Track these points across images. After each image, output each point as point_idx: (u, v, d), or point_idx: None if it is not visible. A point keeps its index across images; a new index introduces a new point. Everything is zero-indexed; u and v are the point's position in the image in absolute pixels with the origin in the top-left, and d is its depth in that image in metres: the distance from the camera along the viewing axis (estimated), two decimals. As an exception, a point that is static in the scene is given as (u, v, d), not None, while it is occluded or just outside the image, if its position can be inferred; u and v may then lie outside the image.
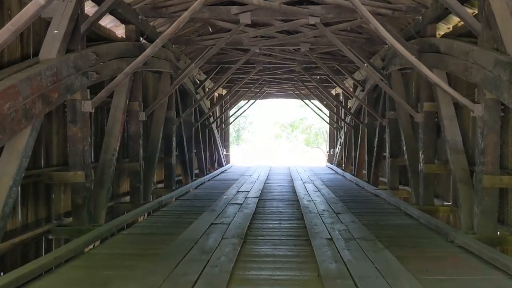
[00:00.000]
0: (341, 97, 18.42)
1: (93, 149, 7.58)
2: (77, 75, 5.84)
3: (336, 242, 5.63)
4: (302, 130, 47.19)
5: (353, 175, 14.99)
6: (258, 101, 43.54)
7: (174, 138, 10.98)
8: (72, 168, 6.22)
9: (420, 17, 8.09)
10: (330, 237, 5.94)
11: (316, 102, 20.99)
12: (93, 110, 6.43)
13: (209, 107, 16.03)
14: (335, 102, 20.07)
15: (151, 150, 9.64)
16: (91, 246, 5.71)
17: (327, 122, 22.14)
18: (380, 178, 12.72)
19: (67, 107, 6.16)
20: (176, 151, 12.72)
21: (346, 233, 6.19)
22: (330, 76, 15.93)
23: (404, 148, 9.43)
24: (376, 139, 11.98)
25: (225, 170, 18.29)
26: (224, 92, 19.23)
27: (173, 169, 10.88)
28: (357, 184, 12.75)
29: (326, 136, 45.44)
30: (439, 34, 8.27)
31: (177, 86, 9.31)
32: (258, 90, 19.82)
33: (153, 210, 8.47)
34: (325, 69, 11.49)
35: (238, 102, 22.22)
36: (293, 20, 8.74)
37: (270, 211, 8.42)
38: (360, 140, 14.42)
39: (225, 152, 22.14)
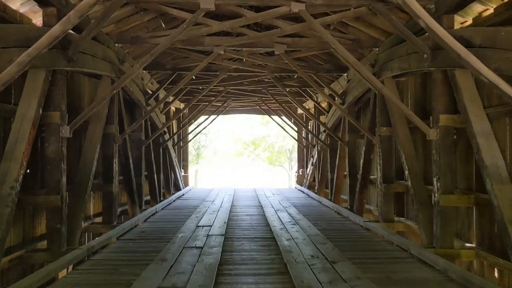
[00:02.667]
0: (313, 112, 16.61)
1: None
2: None
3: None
4: (264, 148, 45.52)
5: (330, 200, 13.07)
6: (220, 117, 41.42)
7: (116, 160, 8.67)
8: None
9: (433, 6, 6.31)
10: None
11: (284, 118, 19.14)
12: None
13: (164, 122, 13.77)
14: (304, 119, 18.29)
15: (82, 176, 7.32)
16: None
17: (296, 140, 20.28)
18: (365, 205, 10.86)
19: None
20: (120, 176, 10.41)
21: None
22: (303, 88, 14.16)
23: (406, 172, 7.56)
24: (362, 160, 10.10)
25: (183, 194, 15.96)
26: (182, 105, 17.00)
27: (114, 199, 8.56)
28: (338, 213, 10.80)
29: (290, 155, 44.26)
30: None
31: (114, 91, 7.08)
32: (220, 104, 17.73)
33: (80, 261, 6.12)
34: (303, 77, 9.54)
35: (198, 118, 20.02)
36: (269, 7, 6.75)
37: (241, 259, 6.28)
38: (339, 160, 12.55)
39: (183, 173, 19.80)
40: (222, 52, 8.72)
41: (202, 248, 6.80)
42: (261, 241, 7.52)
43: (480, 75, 4.04)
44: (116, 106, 8.76)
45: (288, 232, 8.08)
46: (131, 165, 9.99)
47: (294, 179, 40.65)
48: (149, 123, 12.01)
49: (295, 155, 43.46)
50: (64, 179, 6.26)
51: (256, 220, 9.89)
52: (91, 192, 9.01)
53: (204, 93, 12.36)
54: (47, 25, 6.10)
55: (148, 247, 7.14)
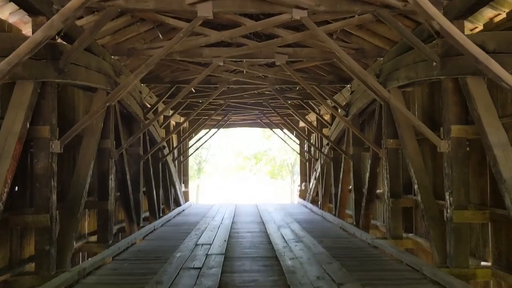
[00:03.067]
0: (315, 124, 16.29)
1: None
2: None
3: None
4: (266, 162, 45.17)
5: (334, 215, 12.66)
6: (222, 131, 41.09)
7: (112, 176, 8.32)
8: None
9: (442, 10, 6.00)
10: None
11: (285, 131, 18.82)
12: None
13: (164, 136, 13.45)
14: (306, 132, 17.96)
15: (75, 193, 6.96)
16: None
17: (298, 153, 19.93)
18: (372, 221, 10.46)
19: None
20: (117, 192, 10.05)
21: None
22: (305, 100, 13.86)
23: (416, 186, 7.18)
24: (368, 174, 9.73)
25: (183, 210, 15.56)
26: (182, 119, 16.70)
27: (109, 216, 8.19)
28: (343, 229, 10.39)
29: (291, 169, 43.82)
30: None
31: (108, 104, 6.75)
32: (221, 118, 17.43)
33: (70, 285, 5.73)
34: (306, 88, 9.21)
35: (199, 132, 19.72)
36: (270, 15, 6.46)
37: (241, 281, 5.89)
38: (343, 174, 12.17)
39: (183, 188, 19.42)
40: (221, 64, 8.43)
41: (200, 269, 6.41)
42: (263, 261, 7.13)
43: (501, 81, 3.72)
44: (112, 120, 8.44)
45: (292, 251, 7.68)
46: (128, 181, 9.63)
47: (296, 193, 40.23)
48: (147, 137, 11.68)
49: (297, 169, 43.09)
50: (54, 197, 5.91)
51: (257, 238, 9.49)
52: (86, 209, 8.68)
53: (203, 106, 12.05)
54: (37, 35, 5.81)
55: (144, 268, 6.75)
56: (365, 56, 8.66)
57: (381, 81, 8.53)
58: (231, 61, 8.92)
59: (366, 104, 9.87)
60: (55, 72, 5.82)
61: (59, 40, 6.15)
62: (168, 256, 7.37)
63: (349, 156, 11.16)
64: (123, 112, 10.09)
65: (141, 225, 10.77)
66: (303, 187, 19.72)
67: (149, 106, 11.25)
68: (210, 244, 8.39)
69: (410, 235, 8.57)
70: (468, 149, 6.00)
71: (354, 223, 10.89)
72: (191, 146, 19.41)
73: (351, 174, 11.14)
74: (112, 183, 8.37)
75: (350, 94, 11.04)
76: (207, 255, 7.42)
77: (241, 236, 9.68)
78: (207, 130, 18.75)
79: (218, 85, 11.10)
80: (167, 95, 11.46)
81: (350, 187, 12.22)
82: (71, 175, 7.45)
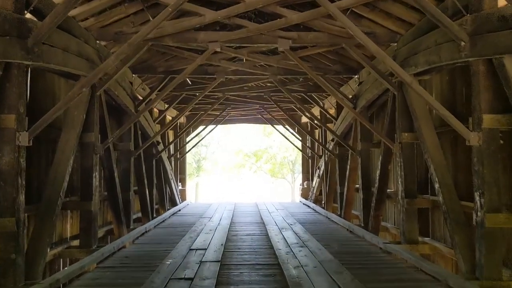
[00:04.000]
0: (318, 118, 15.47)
1: None
2: None
3: None
4: (266, 160, 44.41)
5: (340, 215, 11.84)
6: (221, 128, 40.31)
7: (96, 174, 7.50)
8: None
9: (471, -17, 5.17)
10: None
11: (287, 128, 17.99)
12: None
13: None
14: (309, 127, 17.12)
15: (51, 193, 6.15)
16: None
17: (300, 150, 19.11)
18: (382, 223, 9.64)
19: None
20: (105, 191, 9.25)
21: None
22: (308, 93, 13.03)
23: (437, 185, 6.35)
24: (379, 171, 8.90)
25: (179, 210, 14.74)
26: (177, 114, 15.86)
27: (93, 218, 7.37)
28: (351, 231, 9.57)
29: (292, 167, 42.96)
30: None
31: (84, 89, 5.90)
32: (219, 112, 16.59)
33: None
34: (313, 76, 8.32)
35: (197, 128, 18.89)
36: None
37: (239, 296, 5.08)
38: (350, 171, 11.35)
39: (180, 187, 18.60)
40: (218, 49, 7.59)
41: (192, 280, 5.60)
42: (263, 269, 6.31)
43: None
44: (97, 111, 7.61)
45: (296, 257, 6.86)
46: (116, 179, 8.81)
47: (297, 192, 39.40)
48: (139, 132, 10.85)
49: (298, 167, 42.35)
50: (21, 197, 5.09)
51: (258, 241, 8.68)
52: (69, 211, 7.87)
53: (200, 98, 11.19)
54: (3, 8, 4.99)
55: (129, 277, 5.96)
56: (377, 42, 7.76)
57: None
58: (229, 46, 8.09)
59: (377, 95, 9.04)
60: (22, 51, 5.00)
61: (28, 16, 5.32)
62: (157, 263, 6.58)
63: (357, 152, 10.33)
64: (111, 104, 9.27)
65: (132, 227, 9.96)
66: (305, 186, 18.89)
67: (141, 98, 10.42)
68: (205, 249, 7.58)
69: (426, 239, 7.76)
70: (501, 142, 5.18)
71: (362, 224, 10.08)
72: (188, 142, 18.55)
73: (359, 172, 10.32)
74: (96, 181, 7.54)
75: (358, 85, 10.21)
76: (201, 262, 6.61)
77: (240, 240, 8.87)
78: (205, 126, 17.93)
79: (215, 76, 10.26)
80: (160, 87, 10.63)
81: (358, 185, 11.40)
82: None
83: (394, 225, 9.81)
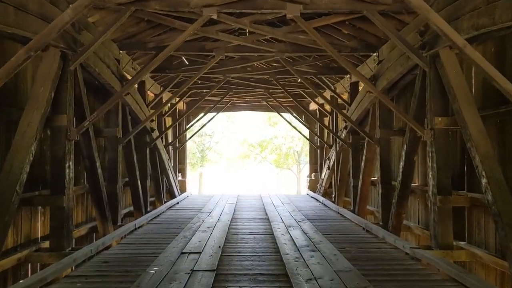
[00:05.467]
0: (329, 105, 14.19)
1: None
2: None
3: None
4: (271, 150, 43.34)
5: (353, 211, 10.64)
6: (225, 118, 38.71)
7: (69, 163, 6.31)
8: None
9: None
10: None
11: (294, 115, 16.71)
12: None
13: (153, 119, 11.41)
14: (318, 115, 15.83)
15: (5, 186, 4.95)
16: None
17: (308, 139, 17.87)
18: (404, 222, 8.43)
19: None
20: (85, 182, 8.09)
21: None
22: (319, 75, 11.75)
23: (484, 180, 5.10)
24: (402, 163, 7.65)
25: (177, 203, 13.59)
26: (176, 99, 14.64)
27: (66, 216, 6.20)
28: (368, 231, 8.35)
29: (298, 157, 41.75)
30: None
31: (31, 53, 4.67)
32: (220, 98, 15.31)
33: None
34: (328, 50, 6.93)
35: (198, 115, 17.66)
36: None
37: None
38: (365, 162, 10.10)
39: (180, 178, 17.46)
40: (214, 16, 6.34)
41: (178, 298, 4.42)
42: (268, 282, 5.13)
43: None
44: (71, 89, 6.40)
45: (307, 266, 5.68)
46: (98, 170, 7.62)
47: (303, 183, 38.30)
48: (129, 117, 9.65)
49: (304, 157, 41.18)
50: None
51: (261, 242, 7.49)
52: (40, 207, 6.72)
53: (199, 79, 9.95)
54: None
55: (102, 291, 4.80)
56: (404, 8, 6.53)
57: (426, 40, 6.45)
58: (228, 14, 6.81)
59: (401, 75, 7.77)
60: None
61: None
62: (140, 272, 5.42)
63: (375, 141, 9.07)
64: (93, 83, 8.07)
65: (120, 223, 8.81)
66: (313, 178, 17.68)
67: (129, 78, 9.19)
68: (200, 253, 6.40)
69: (462, 243, 6.53)
70: None
71: (381, 223, 8.87)
72: (187, 129, 17.32)
73: (378, 163, 9.07)
74: (70, 172, 6.36)
75: (378, 64, 8.93)
76: (192, 271, 5.43)
77: (241, 240, 7.69)
78: (205, 113, 16.68)
79: (214, 54, 9.00)
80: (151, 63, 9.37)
81: (374, 178, 10.20)
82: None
83: (418, 224, 8.60)
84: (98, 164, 7.60)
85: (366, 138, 9.78)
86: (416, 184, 8.41)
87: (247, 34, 8.40)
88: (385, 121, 9.00)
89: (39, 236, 6.68)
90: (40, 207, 6.65)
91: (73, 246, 6.50)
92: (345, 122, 11.36)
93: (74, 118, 6.54)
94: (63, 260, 5.47)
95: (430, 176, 6.51)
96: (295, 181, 41.22)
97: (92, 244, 6.61)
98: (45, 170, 6.71)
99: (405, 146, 7.59)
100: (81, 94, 6.87)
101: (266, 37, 8.64)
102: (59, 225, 6.16)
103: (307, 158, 40.04)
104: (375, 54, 9.06)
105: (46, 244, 6.55)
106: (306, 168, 40.38)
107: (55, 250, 6.14)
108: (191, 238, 7.56)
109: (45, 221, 6.83)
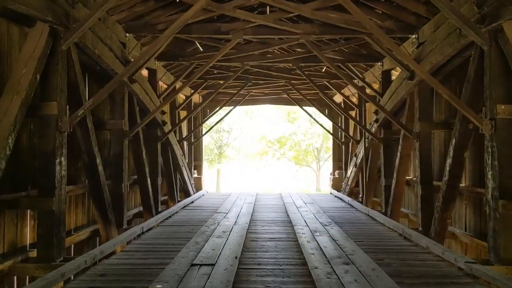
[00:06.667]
0: (356, 97, 13.08)
1: None
2: None
3: None
4: (290, 146, 42.42)
5: (385, 214, 9.54)
6: (243, 113, 37.83)
7: (62, 159, 5.39)
8: None
9: None
10: None
11: (319, 109, 15.61)
12: None
13: (163, 109, 10.48)
14: (343, 106, 14.70)
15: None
16: None
17: (332, 134, 16.75)
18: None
19: None
20: (85, 181, 7.20)
21: None
22: (346, 63, 10.64)
23: None
24: (450, 160, 6.53)
25: (192, 202, 12.67)
26: (191, 91, 13.70)
27: (57, 221, 5.29)
28: (406, 238, 7.26)
29: (318, 154, 40.56)
30: None
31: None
32: (237, 91, 14.29)
33: None
34: (368, 26, 5.79)
35: (214, 109, 16.69)
36: None
37: None
38: (400, 159, 8.99)
39: (196, 175, 16.56)
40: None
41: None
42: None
43: None
44: (63, 72, 5.47)
45: (342, 285, 4.65)
46: (99, 167, 6.69)
47: (323, 181, 37.13)
48: (136, 108, 8.72)
49: (323, 154, 40.00)
50: None
51: (284, 251, 6.48)
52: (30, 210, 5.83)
53: (214, 62, 8.88)
54: None
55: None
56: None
57: (486, 12, 5.32)
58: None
59: (449, 57, 6.63)
60: None
61: None
62: (139, 289, 4.48)
63: (414, 135, 7.95)
64: (94, 68, 7.15)
65: (126, 227, 7.91)
66: (336, 175, 16.56)
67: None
68: (213, 265, 5.44)
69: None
70: None
71: (421, 228, 7.76)
72: (203, 123, 16.35)
73: (417, 160, 7.94)
74: (62, 170, 5.44)
75: (417, 47, 7.80)
76: (200, 292, 4.46)
77: (261, 248, 6.69)
78: (222, 105, 15.71)
79: (231, 36, 7.99)
80: (160, 49, 8.44)
81: (410, 177, 9.09)
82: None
83: (465, 230, 7.47)
84: (98, 160, 6.68)
85: (402, 133, 8.68)
86: (464, 185, 7.28)
87: (268, 12, 7.37)
88: (425, 112, 7.88)
89: (28, 243, 5.79)
90: (29, 210, 5.76)
91: (65, 255, 5.59)
92: (376, 114, 10.25)
93: (68, 107, 5.62)
94: (49, 275, 4.55)
95: (490, 176, 5.40)
96: (314, 178, 40.18)
97: (88, 253, 5.66)
98: (35, 167, 5.82)
99: (453, 141, 6.46)
100: (76, 79, 5.94)
101: (290, 15, 7.57)
102: (47, 231, 5.26)
103: (327, 155, 39.04)
104: (413, 36, 7.94)
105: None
106: (326, 165, 39.30)
107: (43, 261, 5.24)
108: (204, 245, 6.60)
109: (35, 225, 5.93)
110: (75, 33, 5.43)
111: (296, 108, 18.30)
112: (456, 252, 7.03)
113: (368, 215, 9.96)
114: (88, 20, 5.38)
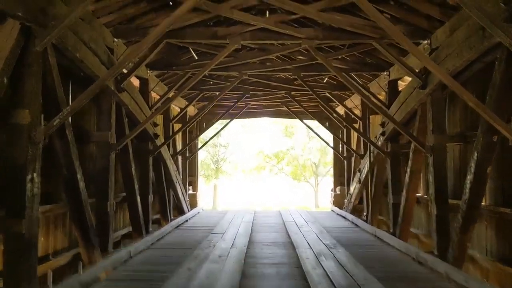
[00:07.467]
0: (360, 108, 12.47)
1: None
2: None
3: None
4: (288, 161, 41.84)
5: (393, 234, 8.84)
6: (241, 128, 37.28)
7: (34, 175, 4.69)
8: None
9: None
10: None
11: (312, 123, 15.01)
12: None
13: (155, 121, 9.81)
14: (345, 117, 14.07)
15: None
16: None
17: (332, 147, 16.12)
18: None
19: None
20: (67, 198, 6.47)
21: None
22: (350, 72, 10.04)
23: None
24: (471, 176, 5.85)
25: (186, 221, 11.92)
26: (185, 103, 13.05)
27: (27, 246, 4.56)
28: (421, 263, 6.54)
29: (316, 169, 39.84)
30: None
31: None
32: (234, 103, 13.65)
33: None
34: (384, 26, 5.14)
35: (211, 122, 16.03)
36: None
37: None
38: (410, 175, 8.32)
39: (190, 191, 15.81)
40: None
41: None
42: None
43: None
44: (37, 77, 4.80)
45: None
46: (80, 183, 5.98)
47: (321, 197, 36.35)
48: (125, 119, 8.04)
49: (322, 169, 39.32)
50: None
51: (288, 279, 5.78)
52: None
53: (210, 69, 8.25)
54: None
55: None
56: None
57: (516, 9, 4.71)
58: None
59: (468, 61, 6.01)
60: None
61: None
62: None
63: (427, 149, 7.28)
64: (78, 75, 6.48)
65: (111, 250, 7.16)
66: (338, 192, 15.87)
67: (125, 71, 7.60)
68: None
69: None
70: None
71: (436, 252, 7.04)
72: (197, 137, 15.65)
73: (431, 176, 7.26)
74: (35, 187, 4.73)
75: (430, 54, 7.20)
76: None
77: (261, 276, 5.98)
78: (217, 119, 15.06)
79: (227, 41, 7.36)
80: (152, 54, 7.80)
81: (422, 195, 8.41)
82: None
83: (486, 254, 6.77)
84: (79, 175, 5.98)
85: (412, 146, 8.02)
86: (484, 203, 6.60)
87: (268, 15, 6.78)
88: (439, 124, 7.24)
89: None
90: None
91: (39, 286, 4.84)
92: (383, 127, 9.61)
93: (43, 116, 4.94)
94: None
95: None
96: (312, 194, 39.48)
97: (63, 283, 4.92)
98: (3, 183, 5.11)
99: (475, 154, 5.80)
100: (54, 84, 5.27)
101: (293, 17, 6.97)
102: (15, 258, 4.52)
103: (326, 170, 38.39)
104: (425, 41, 7.34)
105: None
106: (324, 181, 38.61)
107: (9, 294, 4.49)
108: (197, 273, 5.86)
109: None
110: (52, 33, 4.79)
111: (294, 122, 17.68)
112: (472, 275, 6.33)
113: (375, 236, 9.23)
114: (67, 18, 4.74)
